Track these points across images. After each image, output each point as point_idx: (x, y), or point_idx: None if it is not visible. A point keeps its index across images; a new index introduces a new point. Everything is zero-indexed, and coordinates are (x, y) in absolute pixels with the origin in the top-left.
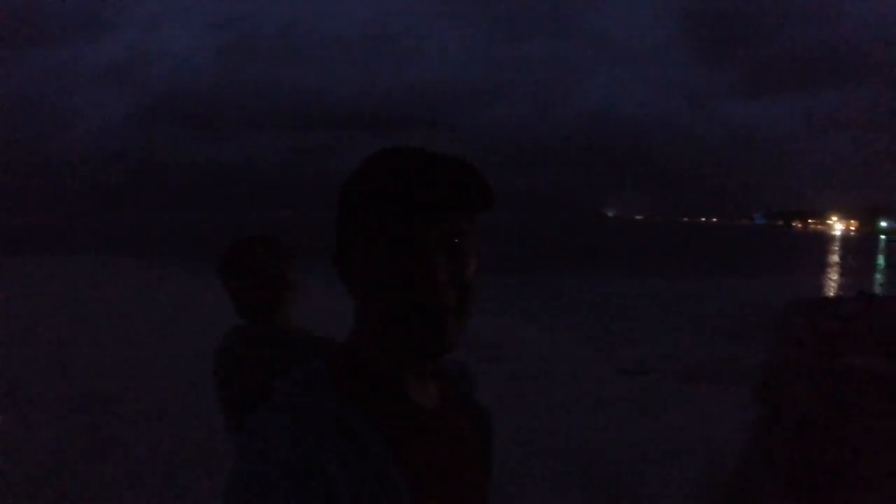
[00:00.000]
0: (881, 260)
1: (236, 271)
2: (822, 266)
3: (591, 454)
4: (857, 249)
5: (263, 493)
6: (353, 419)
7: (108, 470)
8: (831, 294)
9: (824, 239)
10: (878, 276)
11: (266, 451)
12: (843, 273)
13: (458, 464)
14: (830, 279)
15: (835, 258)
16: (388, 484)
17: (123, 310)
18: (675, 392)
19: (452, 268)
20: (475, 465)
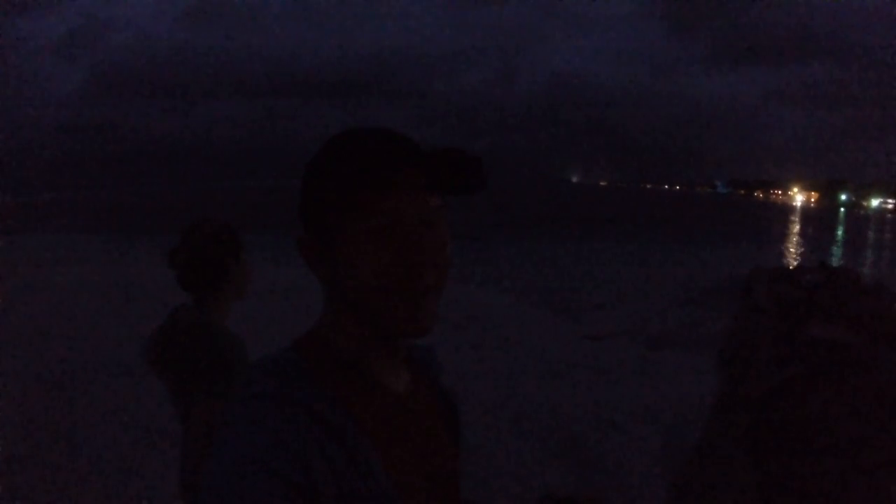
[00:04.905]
0: (840, 232)
1: (182, 249)
2: (784, 236)
3: (557, 419)
4: (818, 221)
5: (244, 487)
6: (326, 407)
7: (68, 460)
8: (793, 264)
9: (785, 210)
10: (838, 249)
11: (244, 444)
12: (804, 244)
13: (431, 447)
14: (792, 249)
15: (796, 229)
16: (365, 470)
17: (88, 292)
18: (639, 358)
19: (432, 248)
20: (447, 447)
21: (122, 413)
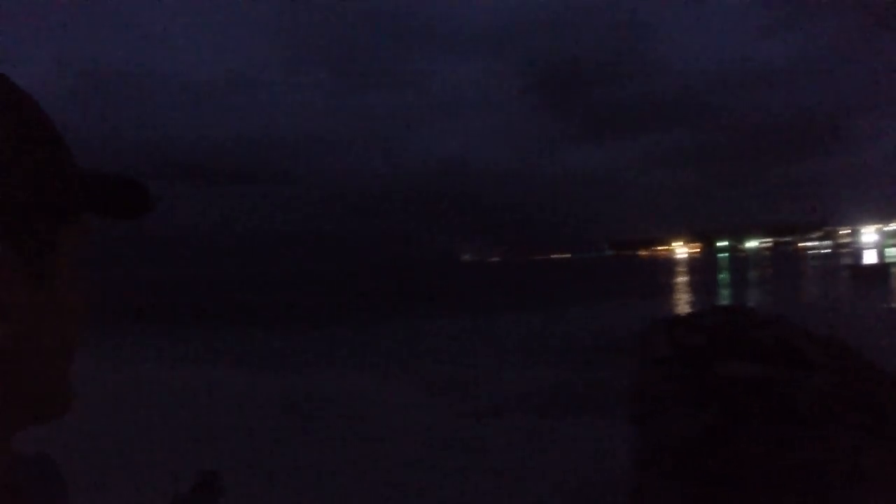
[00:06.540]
0: (724, 275)
1: None
2: (672, 287)
3: None
4: (703, 269)
5: None
6: None
7: None
8: (687, 311)
9: (671, 263)
10: (724, 291)
11: None
12: (693, 291)
13: None
14: (683, 298)
15: (683, 279)
16: None
17: None
18: (538, 429)
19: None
20: None
21: None
